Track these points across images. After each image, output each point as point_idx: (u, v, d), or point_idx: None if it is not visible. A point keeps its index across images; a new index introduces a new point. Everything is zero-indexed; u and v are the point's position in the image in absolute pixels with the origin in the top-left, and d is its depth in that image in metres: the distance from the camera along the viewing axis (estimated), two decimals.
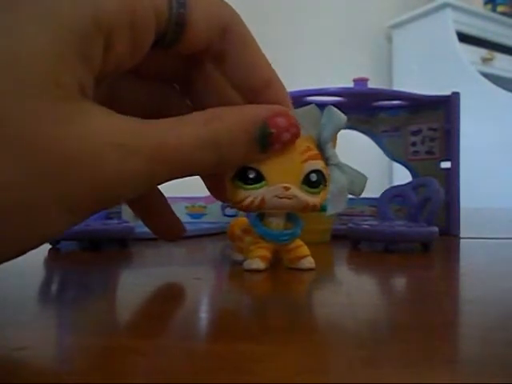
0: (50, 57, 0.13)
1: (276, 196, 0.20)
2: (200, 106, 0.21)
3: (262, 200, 0.20)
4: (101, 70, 0.15)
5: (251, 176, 0.19)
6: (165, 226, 0.23)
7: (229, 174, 0.20)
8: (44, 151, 0.12)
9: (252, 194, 0.20)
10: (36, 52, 0.13)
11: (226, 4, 0.18)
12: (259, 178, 0.19)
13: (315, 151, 0.20)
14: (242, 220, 0.26)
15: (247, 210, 0.20)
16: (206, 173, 0.17)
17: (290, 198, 0.20)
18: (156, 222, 0.23)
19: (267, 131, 0.18)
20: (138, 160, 0.14)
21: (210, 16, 0.17)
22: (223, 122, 0.16)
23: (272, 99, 0.19)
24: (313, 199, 0.20)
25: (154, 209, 0.23)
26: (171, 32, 0.16)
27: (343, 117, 0.21)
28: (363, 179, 0.21)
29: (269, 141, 0.18)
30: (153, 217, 0.23)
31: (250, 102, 0.19)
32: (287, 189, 0.20)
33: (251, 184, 0.20)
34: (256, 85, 0.19)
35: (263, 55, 0.19)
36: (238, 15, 0.18)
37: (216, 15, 0.17)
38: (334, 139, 0.21)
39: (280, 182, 0.20)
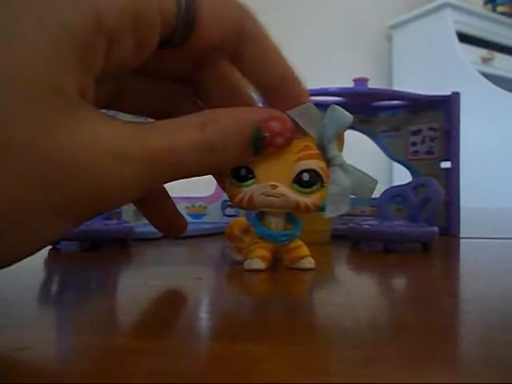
0: (49, 60, 0.13)
1: (263, 194, 0.20)
2: (210, 106, 0.21)
3: (251, 197, 0.20)
4: (103, 70, 0.15)
5: (242, 173, 0.20)
6: (167, 221, 0.23)
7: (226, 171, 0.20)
8: (43, 159, 0.12)
9: (243, 191, 0.20)
10: (35, 55, 0.12)
11: (239, 2, 0.17)
12: (250, 176, 0.20)
13: (313, 151, 0.20)
14: (241, 220, 0.26)
15: (239, 206, 0.21)
16: (201, 175, 0.17)
17: (277, 197, 0.20)
18: (159, 217, 0.23)
19: (260, 135, 0.18)
20: (136, 167, 0.14)
21: (222, 15, 0.17)
22: (218, 125, 0.16)
23: (290, 95, 0.19)
24: (304, 199, 0.20)
25: (157, 204, 0.23)
26: (180, 31, 0.16)
27: (347, 115, 0.20)
28: (372, 182, 0.21)
29: (262, 144, 0.18)
30: (155, 212, 0.23)
31: (269, 99, 0.19)
32: (274, 187, 0.20)
33: (243, 181, 0.20)
34: (273, 81, 0.19)
35: (279, 51, 0.19)
36: (251, 13, 0.18)
37: (228, 16, 0.17)
38: (339, 139, 0.21)
39: (269, 180, 0.20)
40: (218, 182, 0.24)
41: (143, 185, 0.15)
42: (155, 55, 0.16)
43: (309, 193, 0.20)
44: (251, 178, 0.20)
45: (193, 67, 0.20)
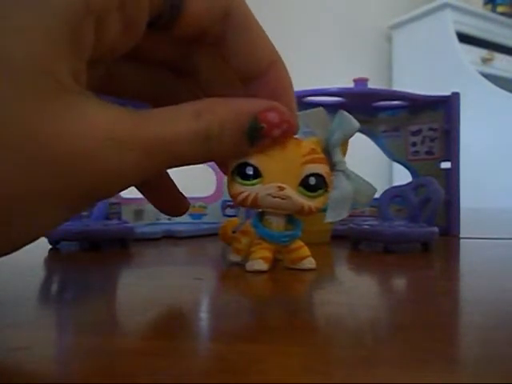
0: (41, 47, 0.12)
1: (269, 194, 0.20)
2: (204, 92, 0.20)
3: (256, 197, 0.20)
4: (94, 53, 0.14)
5: (248, 172, 0.20)
6: (170, 203, 0.23)
7: (230, 168, 0.20)
8: (41, 147, 0.12)
9: (247, 190, 0.20)
10: (26, 42, 0.12)
11: None
12: (256, 175, 0.20)
13: (319, 155, 0.20)
14: (234, 221, 0.27)
15: (241, 204, 0.20)
16: (198, 163, 0.17)
17: (283, 199, 0.20)
18: (160, 199, 0.23)
19: (257, 126, 0.17)
20: (134, 155, 0.14)
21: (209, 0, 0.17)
22: (214, 115, 0.16)
23: (272, 83, 0.19)
24: (309, 203, 0.20)
25: (159, 187, 0.23)
26: (167, 13, 0.16)
27: (355, 123, 0.20)
28: (371, 190, 0.21)
29: (258, 135, 0.18)
30: (157, 194, 0.23)
31: (252, 85, 0.19)
32: (282, 189, 0.20)
33: (248, 180, 0.20)
34: (256, 67, 0.18)
35: (266, 37, 0.18)
36: None
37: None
38: (344, 145, 0.21)
39: (276, 181, 0.20)
40: (219, 167, 0.24)
41: (142, 172, 0.15)
42: (145, 40, 0.16)
43: (313, 197, 0.20)
44: (257, 177, 0.20)
45: (182, 53, 0.20)
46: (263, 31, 0.18)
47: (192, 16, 0.16)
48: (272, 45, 0.19)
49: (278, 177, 0.20)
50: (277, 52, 0.19)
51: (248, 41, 0.18)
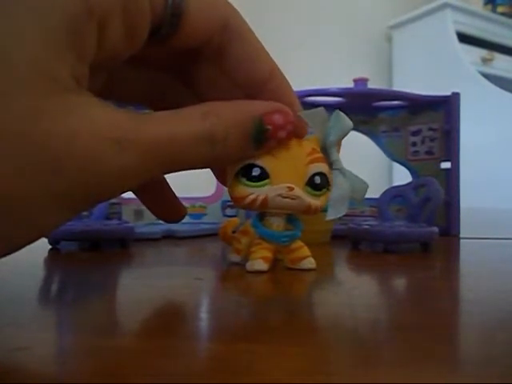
0: (42, 47, 0.13)
1: (279, 195, 0.20)
2: (204, 98, 0.20)
3: (265, 198, 0.20)
4: (96, 58, 0.14)
5: (255, 173, 0.19)
6: (166, 208, 0.23)
7: (232, 170, 0.20)
8: (41, 147, 0.12)
9: (255, 192, 0.20)
10: (27, 42, 0.12)
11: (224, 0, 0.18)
12: (263, 176, 0.19)
13: (320, 154, 0.20)
14: (234, 221, 0.26)
15: (249, 207, 0.20)
16: (200, 167, 0.17)
17: (293, 199, 0.20)
18: (157, 204, 0.23)
19: (263, 128, 0.17)
20: (134, 156, 0.14)
21: (209, 10, 0.17)
22: (220, 118, 0.16)
23: (275, 92, 0.19)
24: (315, 202, 0.20)
25: (156, 192, 0.23)
26: (167, 23, 0.16)
27: (349, 122, 0.21)
28: (364, 186, 0.21)
29: (264, 137, 0.18)
30: (154, 200, 0.23)
31: (253, 97, 0.19)
32: (291, 189, 0.20)
33: (255, 181, 0.20)
34: (259, 78, 0.18)
35: (264, 48, 0.19)
36: (236, 10, 0.18)
37: (215, 10, 0.17)
38: (338, 144, 0.21)
39: (284, 181, 0.20)
40: (217, 177, 0.24)
41: (142, 174, 0.15)
42: (146, 49, 0.16)
43: (319, 195, 0.20)
44: (264, 179, 0.20)
45: (185, 59, 0.20)
46: (259, 41, 0.19)
47: (191, 26, 0.17)
48: (269, 55, 0.19)
49: (285, 177, 0.20)
50: (273, 60, 0.19)
51: (247, 52, 0.18)
